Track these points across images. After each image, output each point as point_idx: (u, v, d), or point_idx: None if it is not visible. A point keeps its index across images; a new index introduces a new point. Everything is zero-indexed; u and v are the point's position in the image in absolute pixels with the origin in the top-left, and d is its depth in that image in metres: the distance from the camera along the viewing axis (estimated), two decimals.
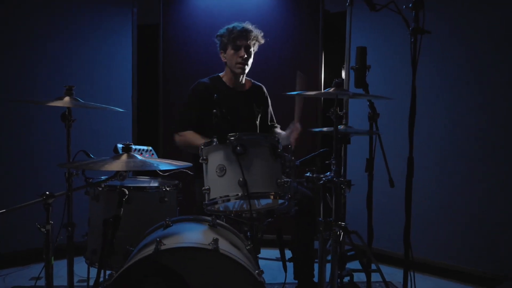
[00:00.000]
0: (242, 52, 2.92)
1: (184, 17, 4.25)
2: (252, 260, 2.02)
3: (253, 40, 2.95)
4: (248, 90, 3.11)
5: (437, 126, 3.50)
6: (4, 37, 2.06)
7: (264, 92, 3.21)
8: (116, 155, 2.06)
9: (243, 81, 3.08)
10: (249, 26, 2.96)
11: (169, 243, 1.76)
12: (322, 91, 2.38)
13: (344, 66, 3.96)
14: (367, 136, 2.84)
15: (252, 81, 3.19)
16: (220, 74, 3.09)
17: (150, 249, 1.74)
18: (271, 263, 3.63)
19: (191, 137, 2.85)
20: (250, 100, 3.07)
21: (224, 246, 1.81)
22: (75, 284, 2.96)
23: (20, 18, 3.61)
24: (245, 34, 2.91)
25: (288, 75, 4.19)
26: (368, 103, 2.75)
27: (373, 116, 2.71)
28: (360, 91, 2.75)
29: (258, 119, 3.07)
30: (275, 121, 3.23)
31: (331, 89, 2.20)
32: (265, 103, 3.18)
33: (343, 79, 3.94)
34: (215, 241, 1.76)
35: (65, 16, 3.83)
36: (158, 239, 1.75)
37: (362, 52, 2.69)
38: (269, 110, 3.21)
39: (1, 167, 2.19)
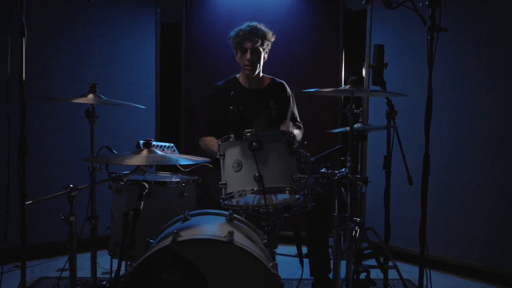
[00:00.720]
0: (248, 55, 2.96)
1: (205, 16, 4.32)
2: (268, 253, 2.07)
3: (259, 40, 2.96)
4: (265, 88, 3.14)
5: (454, 123, 3.50)
6: (29, 36, 2.16)
7: (286, 90, 3.20)
8: (137, 150, 2.13)
9: (261, 78, 3.13)
10: (256, 26, 2.97)
11: (185, 235, 1.82)
12: (337, 88, 2.38)
13: (364, 64, 3.96)
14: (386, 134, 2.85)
15: (272, 78, 3.20)
16: (237, 75, 3.16)
17: (167, 241, 1.80)
18: (290, 259, 3.65)
19: (211, 142, 2.98)
20: (267, 97, 3.09)
21: (239, 238, 1.87)
22: (99, 276, 3.06)
23: (44, 17, 3.71)
24: (249, 36, 2.94)
25: (308, 73, 4.24)
26: (386, 100, 2.76)
27: (390, 114, 2.72)
28: (378, 89, 2.76)
29: (276, 116, 3.10)
30: (299, 120, 3.24)
31: (347, 87, 2.23)
32: (284, 101, 3.17)
33: (362, 77, 3.94)
34: (231, 233, 1.82)
35: (89, 14, 3.93)
36: (175, 231, 1.82)
37: (379, 49, 2.70)
38: (290, 108, 3.19)
39: (29, 163, 2.30)
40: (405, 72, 3.71)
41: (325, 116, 4.21)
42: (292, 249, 3.68)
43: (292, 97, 3.22)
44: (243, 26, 2.98)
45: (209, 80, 3.25)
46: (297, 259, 2.43)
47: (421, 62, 3.36)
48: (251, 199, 2.31)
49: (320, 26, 4.27)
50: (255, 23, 2.98)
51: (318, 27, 4.26)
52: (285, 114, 3.17)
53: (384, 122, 2.85)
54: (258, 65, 3.02)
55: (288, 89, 3.21)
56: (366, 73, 3.92)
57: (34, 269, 3.46)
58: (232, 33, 3.02)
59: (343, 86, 4.04)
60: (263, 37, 2.98)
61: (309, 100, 3.86)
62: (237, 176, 2.11)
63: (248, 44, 2.95)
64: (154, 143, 2.63)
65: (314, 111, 4.03)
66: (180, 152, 3.31)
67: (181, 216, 2.14)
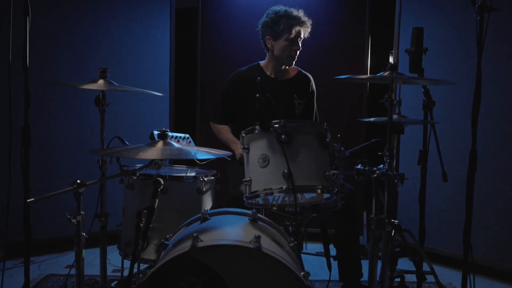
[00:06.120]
0: (299, 46, 2.77)
1: (222, 1, 4.15)
2: (296, 259, 1.86)
3: (307, 31, 2.78)
4: (291, 80, 2.94)
5: (495, 118, 3.20)
6: (35, 20, 2.03)
7: (311, 84, 3.01)
8: (152, 142, 1.95)
9: (287, 69, 2.92)
10: (302, 14, 2.77)
11: (207, 240, 1.61)
12: (374, 75, 2.15)
13: (393, 50, 3.71)
14: (419, 126, 2.62)
15: (299, 69, 3.00)
16: (261, 63, 2.94)
17: (186, 246, 1.59)
18: (311, 258, 3.46)
19: (222, 130, 2.94)
20: (291, 90, 2.90)
21: (267, 244, 1.65)
22: (110, 274, 2.92)
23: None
24: (305, 27, 2.75)
25: (333, 60, 4.06)
26: (423, 90, 2.52)
27: (428, 104, 2.48)
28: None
29: (299, 111, 2.91)
30: (318, 120, 3.03)
31: (386, 73, 2.00)
32: (308, 96, 2.98)
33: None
34: (257, 238, 1.60)
35: None
36: (195, 234, 1.61)
37: (418, 33, 2.46)
38: (312, 105, 3.01)
39: (34, 154, 2.17)
40: (439, 58, 3.44)
41: (346, 106, 4.03)
42: (312, 247, 3.50)
43: (315, 94, 3.03)
44: (293, 10, 2.76)
45: (226, 68, 3.13)
46: (319, 258, 2.24)
47: (457, 47, 3.12)
48: (275, 196, 2.10)
49: (345, 10, 4.06)
50: (298, 11, 2.77)
51: (343, 11, 4.06)
52: (310, 111, 2.99)
53: (416, 113, 2.62)
54: None
55: (313, 84, 3.01)
56: (394, 59, 3.67)
57: (42, 265, 3.31)
58: (277, 17, 2.74)
59: (369, 73, 3.86)
60: (310, 28, 2.81)
61: (329, 88, 3.64)
62: (263, 172, 1.90)
63: (302, 35, 2.76)
64: (169, 133, 2.47)
65: (334, 100, 3.86)
66: (196, 143, 3.17)
67: (199, 215, 1.96)
